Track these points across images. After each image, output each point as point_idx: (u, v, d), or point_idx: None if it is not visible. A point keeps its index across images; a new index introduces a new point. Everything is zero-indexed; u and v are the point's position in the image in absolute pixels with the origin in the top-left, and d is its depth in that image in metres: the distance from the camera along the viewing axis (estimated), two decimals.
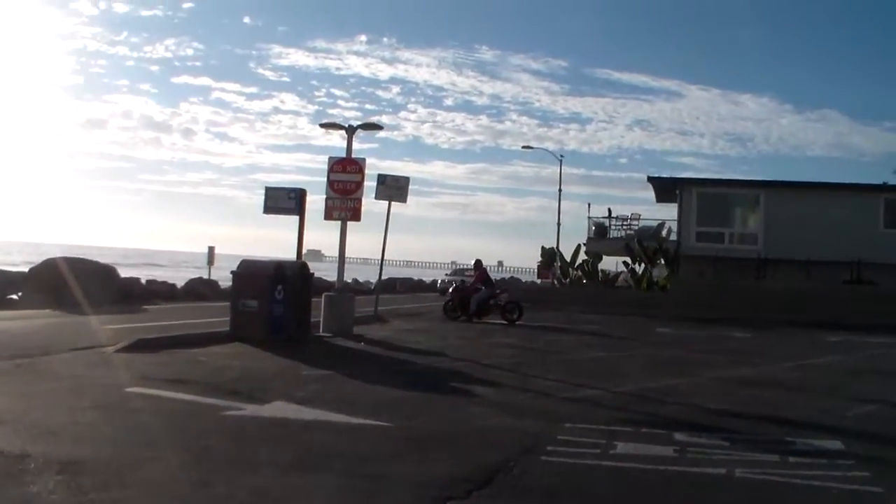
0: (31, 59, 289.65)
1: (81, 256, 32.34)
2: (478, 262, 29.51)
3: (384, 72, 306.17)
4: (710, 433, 9.79)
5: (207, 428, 9.03)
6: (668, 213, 47.42)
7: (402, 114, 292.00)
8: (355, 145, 21.59)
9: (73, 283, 25.55)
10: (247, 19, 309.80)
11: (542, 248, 51.52)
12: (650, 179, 43.66)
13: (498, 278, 62.34)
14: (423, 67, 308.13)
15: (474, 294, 27.68)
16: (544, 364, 16.25)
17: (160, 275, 46.99)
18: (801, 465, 8.32)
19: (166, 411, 9.86)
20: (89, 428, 8.67)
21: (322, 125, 23.41)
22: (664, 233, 44.56)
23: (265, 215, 20.88)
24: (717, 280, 37.73)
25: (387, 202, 24.09)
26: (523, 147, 68.25)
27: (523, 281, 70.52)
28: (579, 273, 45.74)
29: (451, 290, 30.15)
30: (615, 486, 7.36)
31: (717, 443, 9.30)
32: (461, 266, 75.59)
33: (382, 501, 6.64)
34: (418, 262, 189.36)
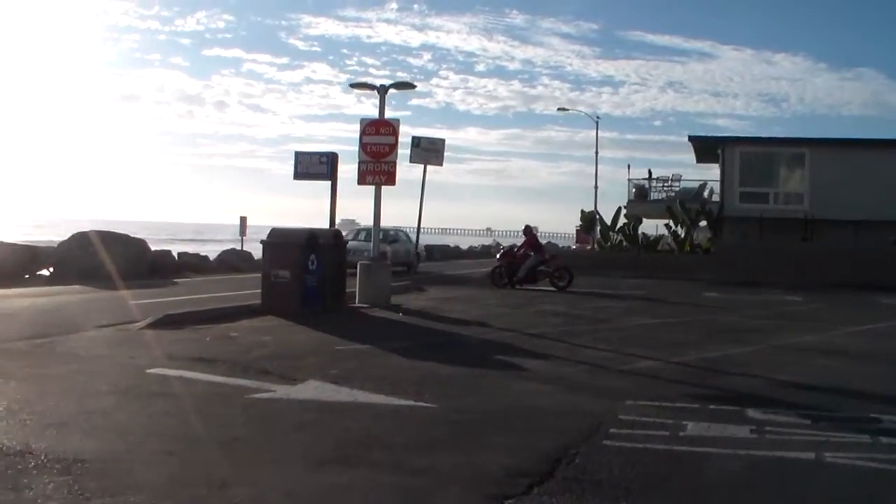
0: (64, 37, 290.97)
1: (113, 231, 31.67)
2: (527, 228, 28.36)
3: (415, 39, 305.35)
4: (787, 409, 8.88)
5: (233, 414, 8.21)
6: (709, 173, 46.04)
7: (434, 80, 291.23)
8: (389, 112, 20.67)
9: (102, 258, 24.94)
10: None
11: (582, 211, 50.43)
12: (691, 139, 42.43)
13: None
14: (453, 34, 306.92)
15: (523, 260, 26.77)
16: (594, 333, 15.34)
17: (194, 248, 46.53)
18: None
19: (189, 395, 9.02)
20: (102, 417, 7.84)
21: (353, 85, 22.51)
22: (706, 194, 43.33)
23: (299, 184, 20.17)
24: (762, 242, 36.57)
25: (422, 166, 23.25)
26: (559, 109, 67.98)
27: (559, 246, 69.64)
28: (620, 237, 44.62)
29: (498, 255, 29.16)
30: (694, 477, 6.45)
31: (796, 420, 8.38)
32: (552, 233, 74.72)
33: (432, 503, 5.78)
34: (453, 230, 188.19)
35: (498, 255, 29.34)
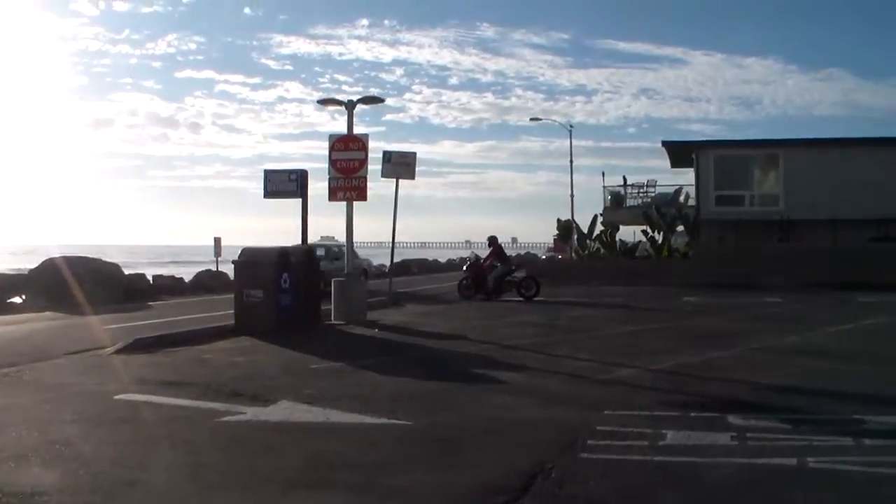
0: (33, 63, 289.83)
1: (88, 256, 31.26)
2: (492, 239, 28.08)
3: (387, 54, 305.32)
4: (768, 414, 8.73)
5: (201, 439, 7.95)
6: (684, 178, 46.33)
7: (408, 95, 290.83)
8: (361, 128, 20.53)
9: (72, 284, 24.58)
10: (247, 10, 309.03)
11: (558, 220, 50.38)
12: (665, 144, 42.47)
13: (514, 255, 61.41)
14: (425, 48, 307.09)
15: (490, 271, 26.58)
16: (572, 343, 15.15)
17: (170, 270, 46.05)
18: (881, 450, 7.23)
19: (157, 421, 8.78)
20: (65, 447, 7.57)
21: (321, 101, 22.15)
22: (682, 199, 43.37)
23: (275, 204, 19.99)
24: (739, 244, 36.62)
25: (394, 181, 23.05)
26: (531, 119, 67.94)
27: (539, 256, 69.67)
28: (597, 245, 44.51)
29: (465, 267, 28.95)
30: (673, 489, 6.24)
31: (777, 426, 8.22)
32: (515, 245, 74.96)
33: None
34: (432, 243, 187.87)
35: (465, 267, 29.10)
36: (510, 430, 8.25)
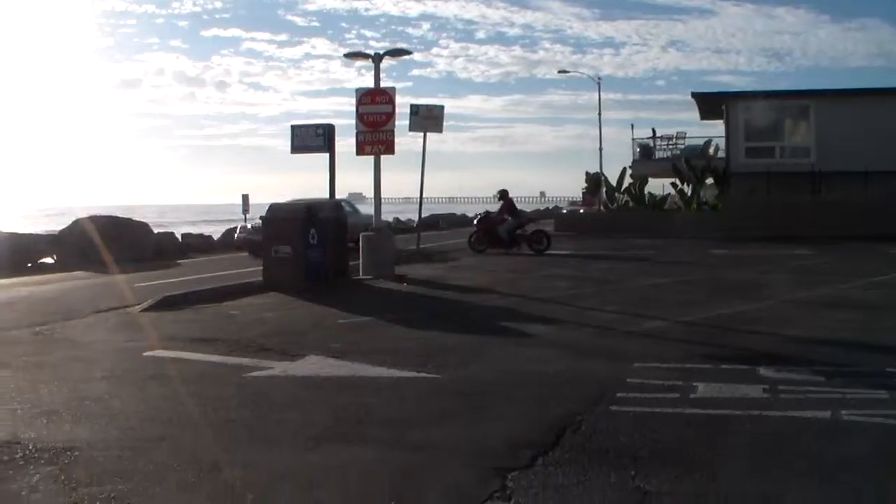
0: (60, 25, 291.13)
1: (117, 216, 31.44)
2: (503, 192, 27.83)
3: (413, 9, 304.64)
4: (800, 366, 8.62)
5: (230, 394, 7.94)
6: (714, 130, 45.48)
7: (435, 50, 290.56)
8: (388, 83, 20.35)
9: (101, 243, 24.66)
10: None
11: (587, 173, 49.92)
12: (694, 95, 41.94)
13: (543, 209, 61.62)
14: (451, 2, 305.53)
15: (500, 224, 26.53)
16: (601, 295, 15.07)
17: (199, 229, 46.21)
18: None
19: (185, 377, 8.78)
20: (95, 403, 7.60)
21: (347, 55, 21.84)
22: (712, 150, 42.90)
23: (302, 160, 20.08)
24: (769, 197, 36.17)
25: (422, 135, 22.95)
26: (559, 72, 67.42)
27: (561, 210, 69.57)
28: (626, 197, 44.19)
29: (475, 221, 28.80)
30: (706, 442, 6.15)
31: (809, 378, 8.12)
32: (543, 199, 75.18)
33: (428, 482, 5.48)
34: (460, 198, 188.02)
35: (475, 221, 28.94)
36: (539, 382, 8.20)
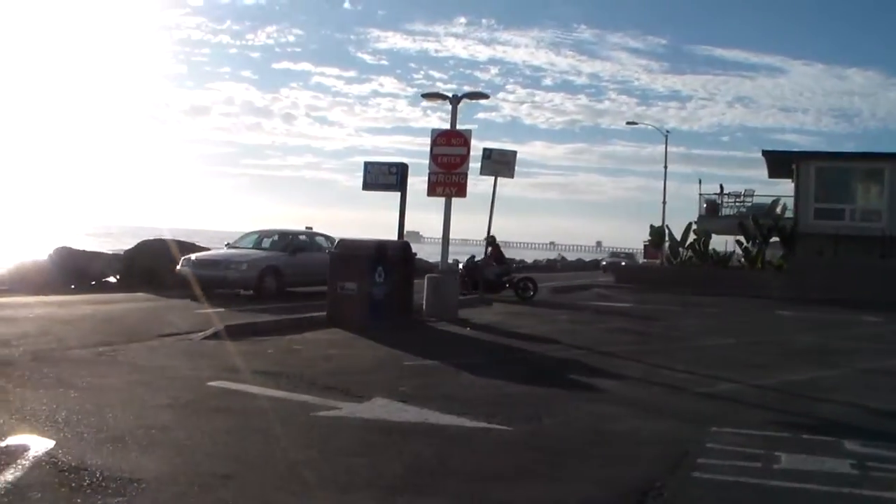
0: (136, 50, 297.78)
1: (180, 239, 31.62)
2: (492, 239, 28.23)
3: (482, 53, 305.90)
4: (888, 442, 8.25)
5: (296, 433, 7.75)
6: (781, 189, 45.20)
7: (501, 94, 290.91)
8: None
9: (165, 266, 24.77)
10: (346, 4, 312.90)
11: (651, 226, 49.50)
12: (764, 153, 41.58)
13: (610, 258, 62.12)
14: (521, 48, 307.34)
15: (486, 268, 27.16)
16: (669, 352, 14.72)
17: None
18: None
19: (251, 411, 8.63)
20: (161, 433, 7.46)
21: (425, 95, 21.84)
22: (779, 210, 42.39)
23: (362, 196, 19.87)
24: (837, 259, 35.58)
25: (488, 179, 22.86)
26: (627, 123, 67.36)
27: (604, 262, 69.85)
28: (689, 253, 43.69)
29: (461, 266, 28.69)
30: None
31: None
32: (616, 249, 75.60)
33: None
34: (517, 243, 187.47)
35: (461, 266, 28.79)
36: (614, 441, 7.93)
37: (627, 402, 10.02)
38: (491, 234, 28.14)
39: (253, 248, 25.58)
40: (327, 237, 26.87)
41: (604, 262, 65.85)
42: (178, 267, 23.76)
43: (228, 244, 26.62)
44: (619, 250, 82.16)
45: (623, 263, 59.31)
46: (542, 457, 7.23)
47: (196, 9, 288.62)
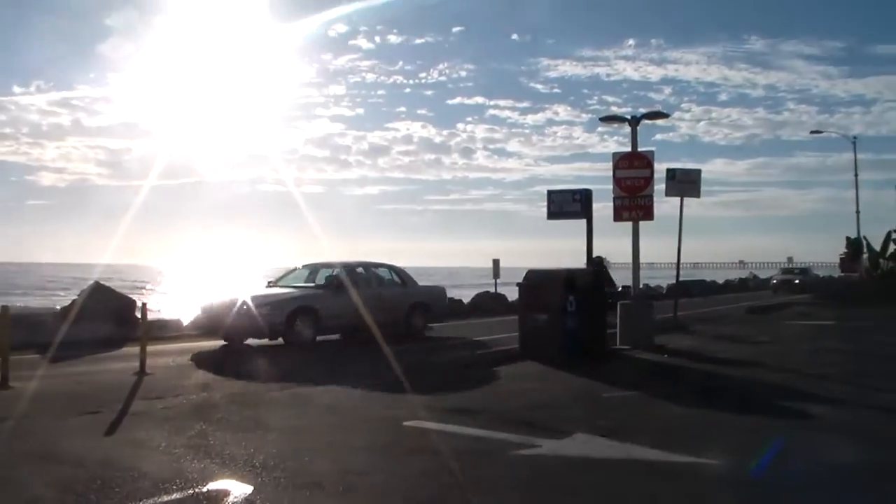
0: (315, 96, 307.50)
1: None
2: (598, 260, 26.40)
3: (654, 73, 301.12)
4: None
5: (498, 475, 7.44)
6: None
7: (677, 114, 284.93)
8: (628, 148, 19.78)
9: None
10: (515, 36, 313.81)
11: (847, 238, 47.46)
12: None
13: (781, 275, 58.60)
14: (692, 65, 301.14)
15: None
16: (885, 373, 13.79)
17: (449, 293, 46.55)
18: None
19: (449, 452, 8.33)
20: (359, 478, 7.27)
21: (602, 119, 21.47)
22: None
23: (549, 225, 19.45)
24: None
25: (670, 200, 22.25)
26: (811, 132, 64.80)
27: (819, 275, 66.69)
28: (892, 264, 41.50)
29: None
30: None
31: None
32: (790, 264, 72.56)
33: None
34: (704, 264, 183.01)
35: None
36: (838, 480, 7.27)
37: (848, 431, 9.33)
38: (596, 255, 26.99)
39: (295, 285, 21.41)
40: (392, 268, 23.09)
41: (773, 281, 60.82)
42: (196, 317, 20.30)
43: (270, 282, 22.17)
44: (792, 265, 75.19)
45: (797, 281, 55.79)
46: (763, 499, 6.70)
47: (368, 52, 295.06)
